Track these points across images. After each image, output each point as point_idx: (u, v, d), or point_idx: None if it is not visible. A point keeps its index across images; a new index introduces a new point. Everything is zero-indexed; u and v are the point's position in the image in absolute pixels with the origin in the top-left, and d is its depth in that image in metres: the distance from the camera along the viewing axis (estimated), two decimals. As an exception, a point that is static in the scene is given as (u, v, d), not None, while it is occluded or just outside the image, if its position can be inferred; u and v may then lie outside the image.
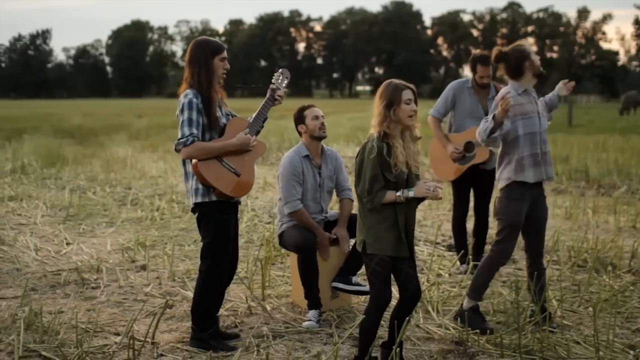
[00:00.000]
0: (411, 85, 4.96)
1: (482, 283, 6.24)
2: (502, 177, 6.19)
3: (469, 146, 7.88)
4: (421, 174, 14.89)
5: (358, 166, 4.94)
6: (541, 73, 6.15)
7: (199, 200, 5.59)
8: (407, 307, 5.13)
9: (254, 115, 5.82)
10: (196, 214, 5.72)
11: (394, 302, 5.24)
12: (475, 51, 8.24)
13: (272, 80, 5.98)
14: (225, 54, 5.67)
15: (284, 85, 5.97)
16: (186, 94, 5.52)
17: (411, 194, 4.91)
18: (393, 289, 5.12)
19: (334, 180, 6.88)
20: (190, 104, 5.45)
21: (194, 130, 5.41)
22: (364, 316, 5.02)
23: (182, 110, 5.47)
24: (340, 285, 6.61)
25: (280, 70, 6.08)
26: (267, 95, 5.91)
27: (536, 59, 6.16)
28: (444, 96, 8.13)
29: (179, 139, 5.41)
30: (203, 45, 5.63)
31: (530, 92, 6.18)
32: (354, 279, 6.59)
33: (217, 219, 5.63)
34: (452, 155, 7.93)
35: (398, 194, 4.88)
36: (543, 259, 6.37)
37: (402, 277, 5.04)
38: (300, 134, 6.75)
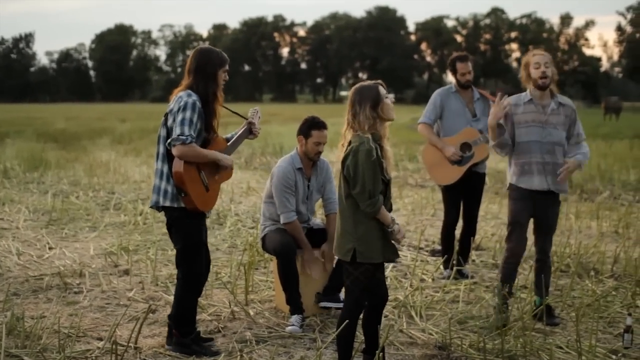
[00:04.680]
0: (379, 81, 5.01)
1: (505, 281, 6.51)
2: (508, 178, 6.61)
3: (465, 147, 7.91)
4: (415, 180, 14.74)
5: (352, 170, 4.80)
6: (539, 85, 6.33)
7: (167, 204, 5.55)
8: (377, 311, 5.16)
9: (231, 140, 5.92)
10: (162, 213, 5.72)
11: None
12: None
13: (249, 115, 6.10)
14: (227, 66, 5.67)
15: (257, 121, 6.09)
16: (190, 94, 5.45)
17: (396, 227, 4.92)
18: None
19: (321, 191, 6.88)
20: (194, 105, 5.39)
21: (193, 132, 5.36)
22: (344, 322, 4.94)
23: (184, 109, 5.37)
24: (329, 304, 6.67)
25: (256, 108, 6.20)
26: (245, 127, 6.03)
27: (534, 71, 6.31)
28: (432, 102, 8.14)
29: (178, 135, 5.32)
30: (212, 57, 5.58)
31: (538, 102, 6.36)
32: (341, 295, 6.60)
33: (187, 224, 5.61)
34: (452, 157, 7.90)
35: (395, 225, 4.91)
36: (548, 257, 6.62)
37: (373, 283, 5.03)
38: (298, 140, 6.74)
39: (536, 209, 6.46)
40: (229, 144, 5.86)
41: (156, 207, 5.65)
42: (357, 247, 4.87)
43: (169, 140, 5.42)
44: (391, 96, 4.98)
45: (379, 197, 4.80)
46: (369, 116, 4.85)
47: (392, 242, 4.96)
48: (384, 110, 4.89)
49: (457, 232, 8.40)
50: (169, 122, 5.50)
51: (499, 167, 18.78)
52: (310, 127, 6.62)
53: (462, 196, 8.21)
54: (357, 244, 4.87)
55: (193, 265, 5.67)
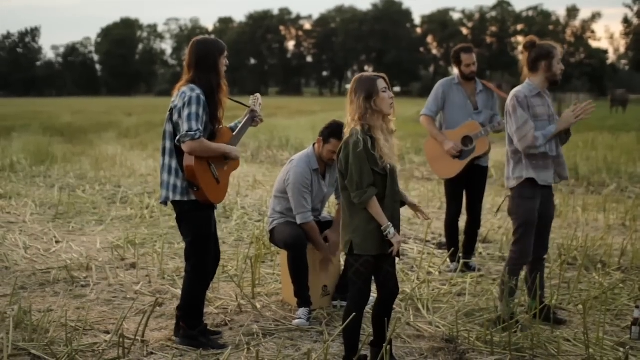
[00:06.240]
0: (382, 75, 5.00)
1: (510, 288, 6.16)
2: (514, 176, 6.17)
3: (467, 140, 7.90)
4: (421, 173, 14.71)
5: (344, 162, 4.89)
6: (555, 81, 6.11)
7: (178, 198, 5.56)
8: (386, 304, 5.14)
9: (235, 130, 5.91)
10: (173, 209, 5.73)
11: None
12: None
13: (250, 102, 6.09)
14: (226, 52, 5.65)
15: (258, 108, 6.08)
16: (193, 88, 5.43)
17: (391, 231, 4.89)
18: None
19: (334, 186, 6.86)
20: (198, 99, 5.38)
21: (200, 127, 5.36)
22: (351, 314, 4.95)
23: (189, 104, 5.36)
24: (344, 303, 6.64)
25: (256, 95, 6.19)
26: (247, 115, 6.01)
27: (557, 66, 6.08)
28: (434, 94, 8.13)
29: (187, 132, 5.32)
30: (210, 47, 5.55)
31: (544, 94, 6.17)
32: None
33: (198, 217, 5.62)
34: (451, 152, 7.90)
35: (390, 229, 4.88)
36: (545, 255, 6.45)
37: (382, 275, 5.04)
38: (317, 141, 6.67)
39: (541, 205, 6.20)
40: (234, 133, 5.85)
41: (166, 202, 5.66)
42: (353, 239, 4.92)
43: (178, 137, 5.41)
44: (389, 93, 4.95)
45: (367, 189, 4.83)
46: (361, 106, 4.89)
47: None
48: (378, 103, 4.90)
49: (462, 224, 8.39)
50: (175, 117, 5.50)
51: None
52: (331, 134, 6.48)
53: (465, 189, 8.20)
54: (353, 235, 4.92)
55: (203, 257, 5.68)
